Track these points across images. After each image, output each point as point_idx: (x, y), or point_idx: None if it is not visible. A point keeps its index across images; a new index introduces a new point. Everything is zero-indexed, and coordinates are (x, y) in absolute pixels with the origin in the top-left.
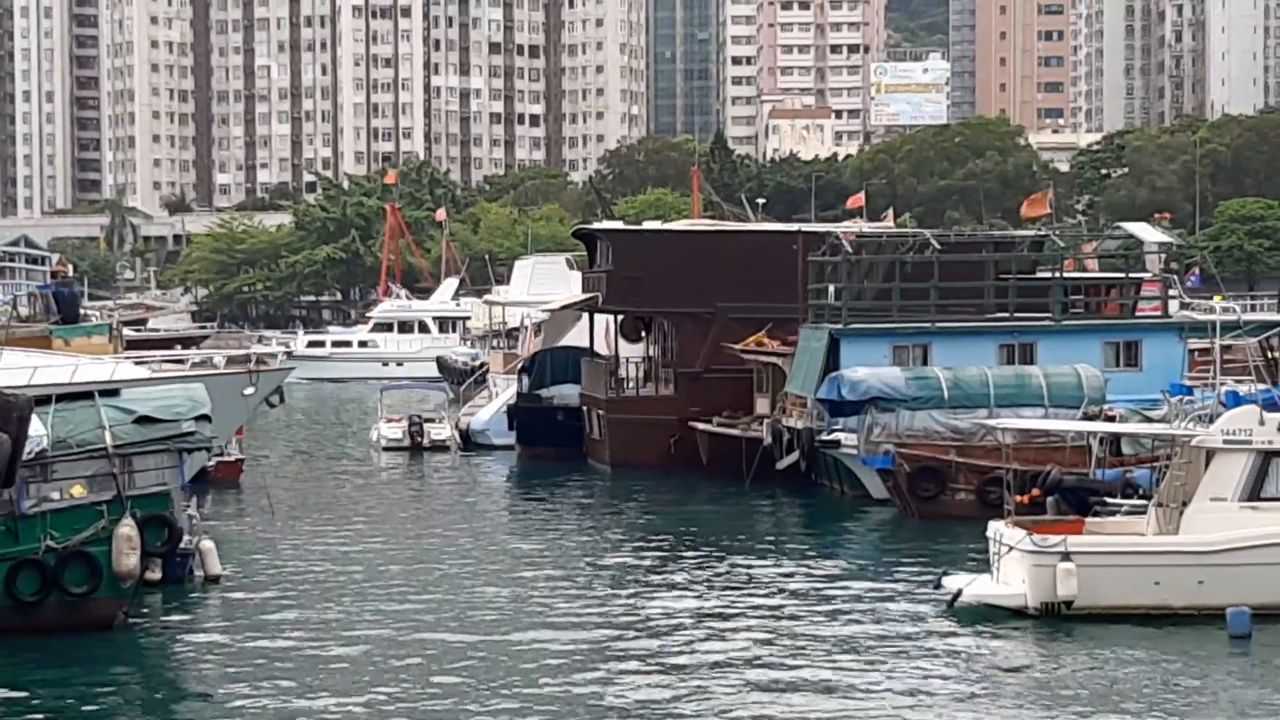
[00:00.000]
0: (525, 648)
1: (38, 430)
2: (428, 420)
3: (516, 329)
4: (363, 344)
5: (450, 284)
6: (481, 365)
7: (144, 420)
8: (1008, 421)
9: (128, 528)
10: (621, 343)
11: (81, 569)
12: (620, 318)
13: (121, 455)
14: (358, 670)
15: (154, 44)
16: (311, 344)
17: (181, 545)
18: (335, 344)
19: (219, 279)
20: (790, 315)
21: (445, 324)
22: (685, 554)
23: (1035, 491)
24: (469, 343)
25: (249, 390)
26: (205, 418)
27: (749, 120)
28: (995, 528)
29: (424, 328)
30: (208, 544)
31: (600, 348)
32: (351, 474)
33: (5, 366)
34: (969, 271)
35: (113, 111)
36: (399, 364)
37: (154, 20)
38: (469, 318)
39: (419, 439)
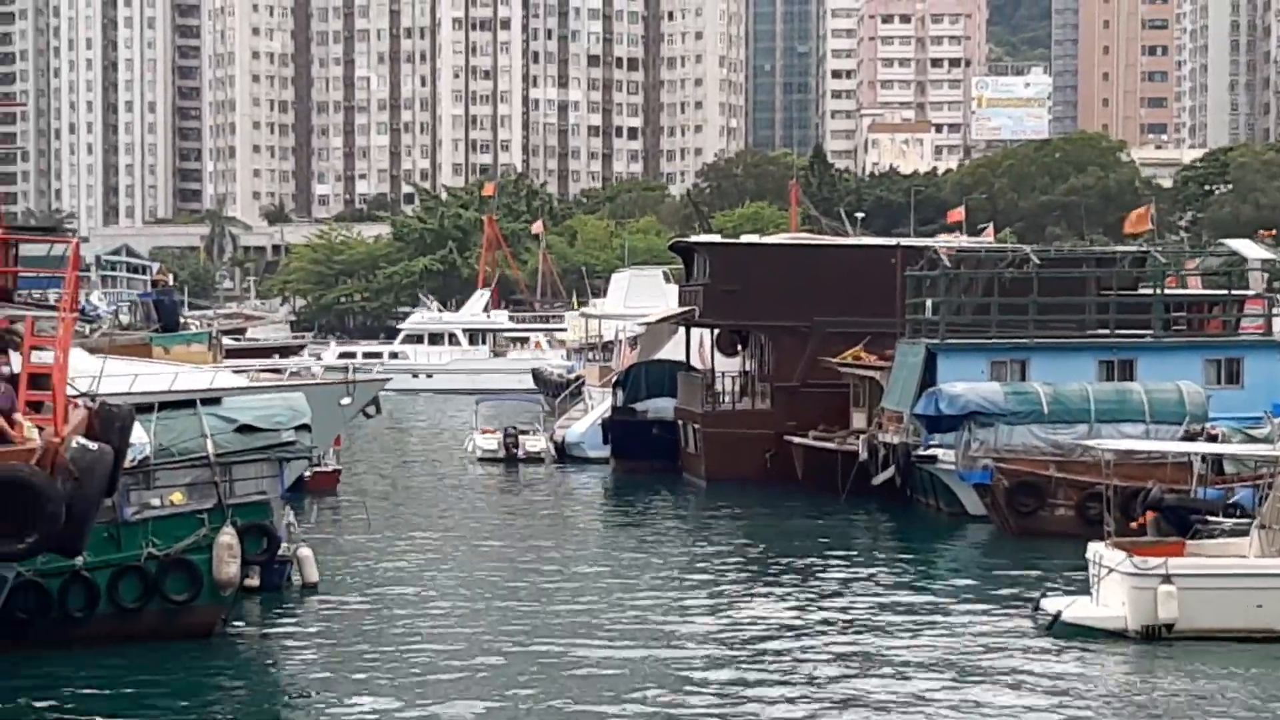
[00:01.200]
0: (616, 658)
1: (140, 438)
2: (523, 432)
3: (612, 342)
4: (394, 355)
5: (481, 296)
6: (577, 378)
7: (245, 429)
8: (1109, 442)
9: (228, 536)
10: (718, 356)
11: (182, 576)
12: (716, 331)
13: (223, 464)
14: (453, 678)
15: (255, 55)
16: (343, 355)
17: (280, 553)
18: (366, 355)
19: (317, 289)
20: (888, 330)
21: (475, 336)
22: (779, 569)
23: (1147, 516)
24: (566, 355)
25: (346, 400)
26: (305, 427)
27: (848, 134)
28: (1095, 549)
29: (454, 340)
30: (305, 552)
31: (696, 361)
32: (447, 484)
33: (107, 374)
34: (1069, 287)
35: (214, 122)
36: (428, 375)
37: (255, 31)
38: (500, 330)
39: (514, 450)
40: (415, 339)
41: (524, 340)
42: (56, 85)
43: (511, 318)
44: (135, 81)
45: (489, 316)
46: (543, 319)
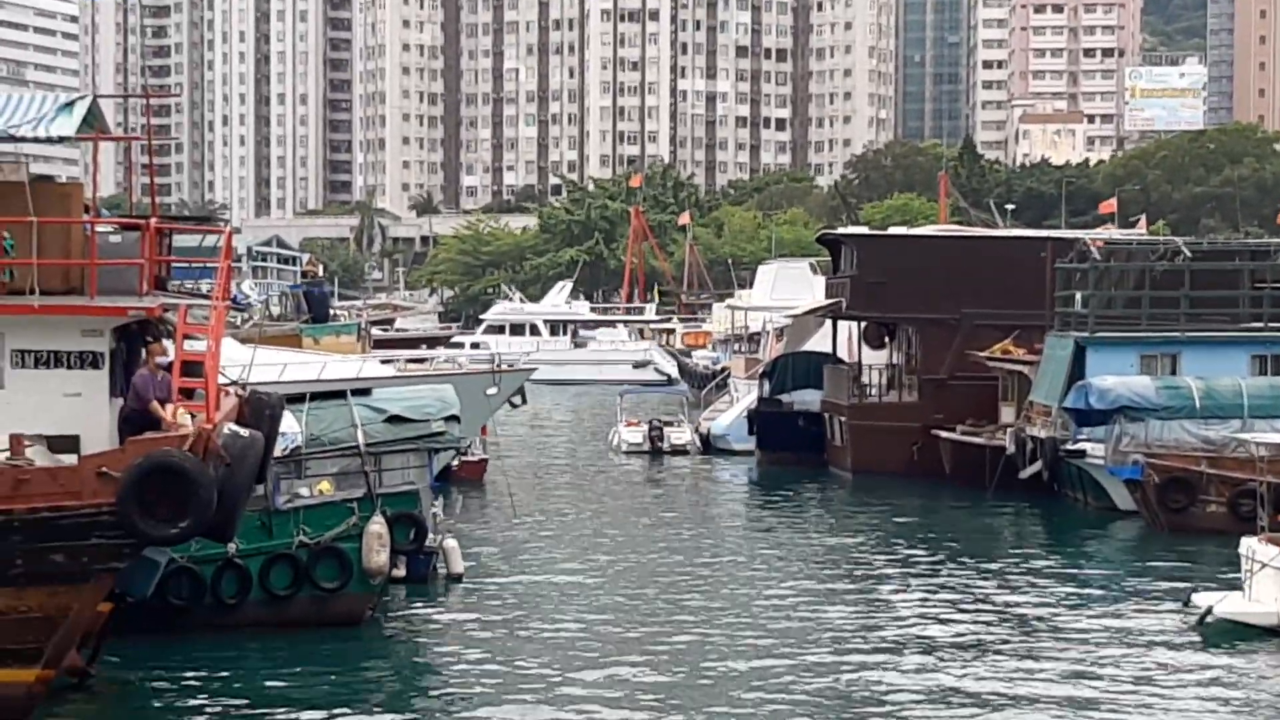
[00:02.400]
0: (759, 652)
1: (291, 427)
2: (667, 424)
3: (758, 334)
4: (475, 346)
5: (563, 287)
6: (723, 370)
7: (395, 420)
8: (1264, 436)
9: (378, 525)
10: (864, 349)
11: (332, 564)
12: (864, 324)
13: (373, 453)
14: (595, 675)
15: (405, 47)
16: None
17: (427, 543)
18: (446, 344)
19: (464, 280)
20: (1037, 323)
21: (556, 327)
22: (924, 563)
23: None
24: (711, 347)
25: (492, 390)
26: (454, 418)
27: (999, 125)
28: (1248, 544)
29: (535, 330)
30: (451, 543)
31: (843, 354)
32: (592, 475)
33: (258, 364)
34: (1222, 280)
35: (364, 114)
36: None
37: (406, 24)
38: (581, 320)
39: (659, 443)
40: (497, 329)
41: (608, 327)
42: (210, 77)
43: (594, 308)
44: (287, 74)
45: (570, 307)
46: (637, 310)
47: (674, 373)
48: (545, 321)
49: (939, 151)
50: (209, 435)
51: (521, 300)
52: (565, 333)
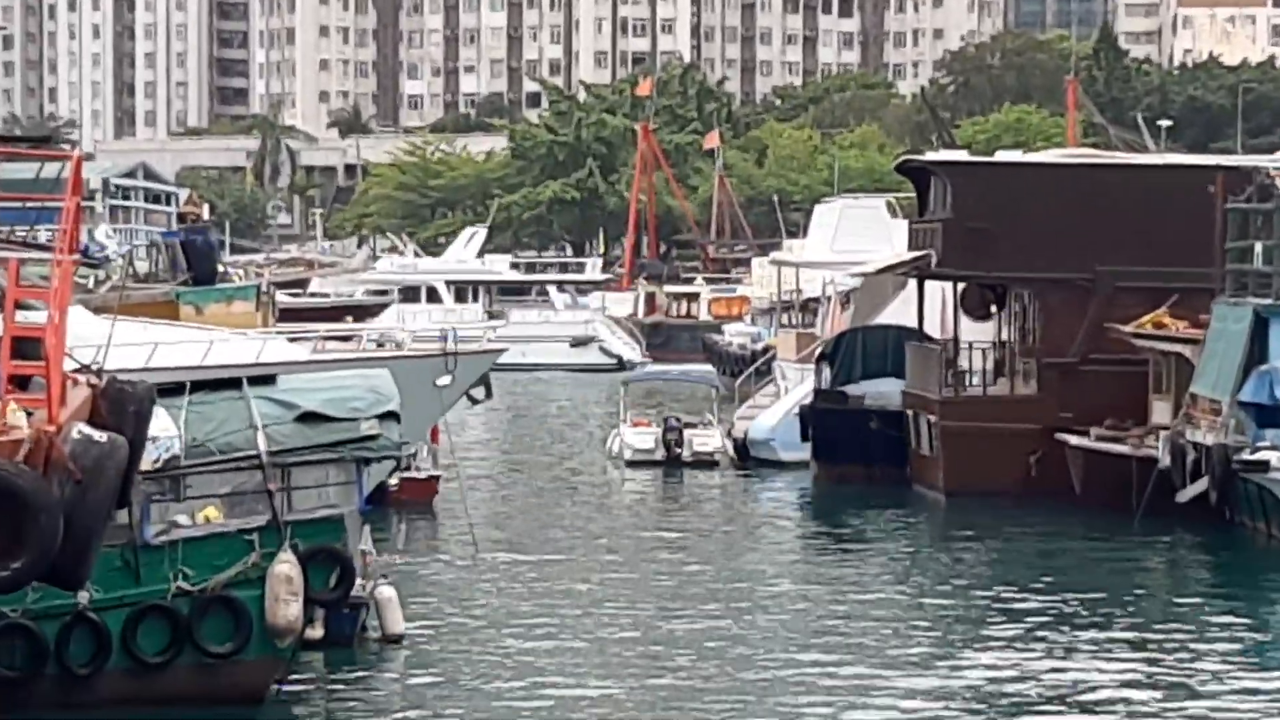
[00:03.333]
0: None
1: (165, 429)
2: (689, 425)
3: (815, 300)
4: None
5: (474, 236)
6: (765, 350)
7: (310, 418)
8: None
9: (286, 565)
10: (963, 321)
11: (224, 620)
12: (962, 286)
13: (279, 465)
14: None
15: None
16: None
17: (354, 592)
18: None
19: (407, 225)
20: (1201, 285)
21: (464, 291)
22: (1047, 617)
23: None
24: (750, 318)
25: (444, 380)
26: (392, 415)
27: (1149, 9)
28: None
29: (434, 296)
30: (387, 591)
31: (933, 327)
32: (583, 498)
33: (118, 343)
34: None
35: None
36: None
37: None
38: (499, 282)
39: (677, 450)
40: (377, 294)
41: (539, 294)
42: None
43: (515, 265)
44: None
45: (483, 263)
46: (575, 267)
47: (629, 354)
48: (448, 284)
49: (1066, 47)
50: (51, 441)
51: (417, 254)
52: (476, 299)
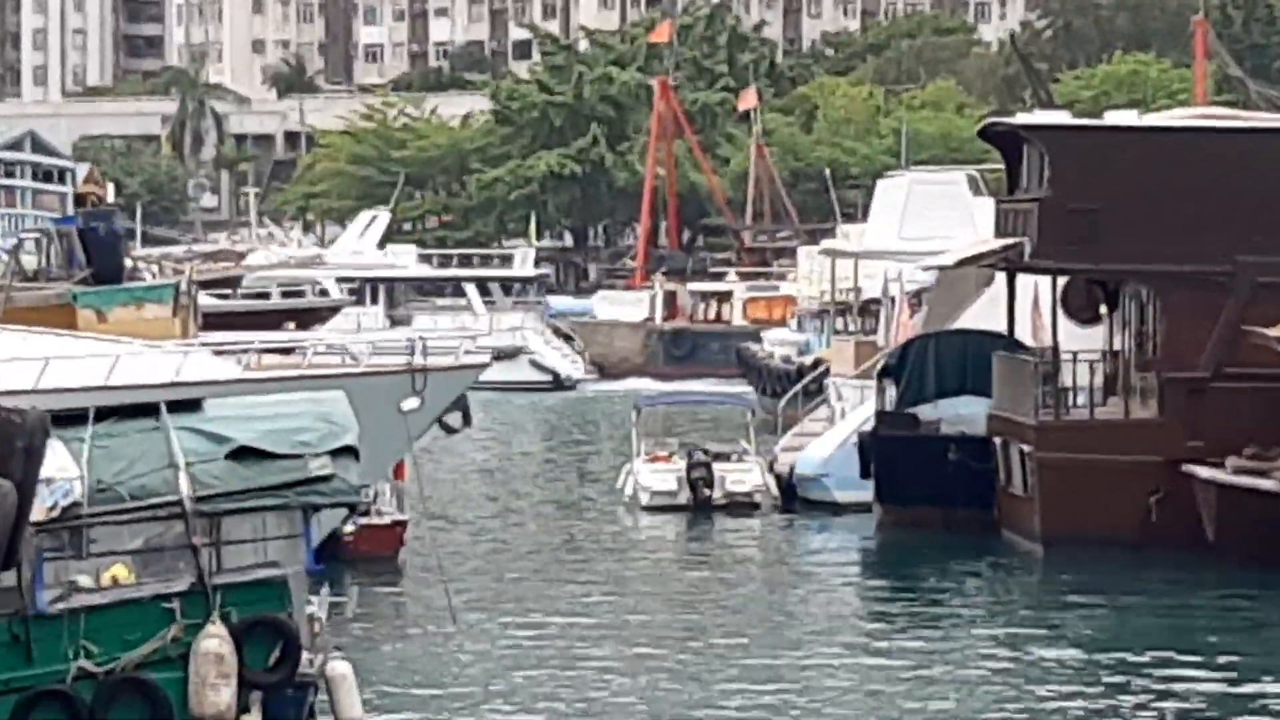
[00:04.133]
0: None
1: (64, 469)
2: (720, 458)
3: (877, 300)
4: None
5: (373, 221)
6: (815, 363)
7: (245, 454)
8: None
9: (216, 640)
10: (1064, 325)
11: (136, 709)
12: (1063, 282)
13: (206, 515)
14: None
15: None
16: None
17: (300, 670)
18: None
19: (363, 207)
20: None
21: (364, 292)
22: (1170, 697)
23: None
24: (795, 323)
25: (411, 402)
26: (348, 451)
27: None
28: None
29: (323, 295)
30: (342, 668)
31: (1026, 334)
32: (586, 551)
33: (1, 357)
34: None
35: None
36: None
37: None
38: (407, 280)
39: (705, 491)
40: (255, 296)
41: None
42: None
43: (425, 258)
44: None
45: (384, 254)
46: (500, 262)
47: (567, 369)
48: (339, 281)
49: None
50: None
51: (301, 242)
52: (376, 300)
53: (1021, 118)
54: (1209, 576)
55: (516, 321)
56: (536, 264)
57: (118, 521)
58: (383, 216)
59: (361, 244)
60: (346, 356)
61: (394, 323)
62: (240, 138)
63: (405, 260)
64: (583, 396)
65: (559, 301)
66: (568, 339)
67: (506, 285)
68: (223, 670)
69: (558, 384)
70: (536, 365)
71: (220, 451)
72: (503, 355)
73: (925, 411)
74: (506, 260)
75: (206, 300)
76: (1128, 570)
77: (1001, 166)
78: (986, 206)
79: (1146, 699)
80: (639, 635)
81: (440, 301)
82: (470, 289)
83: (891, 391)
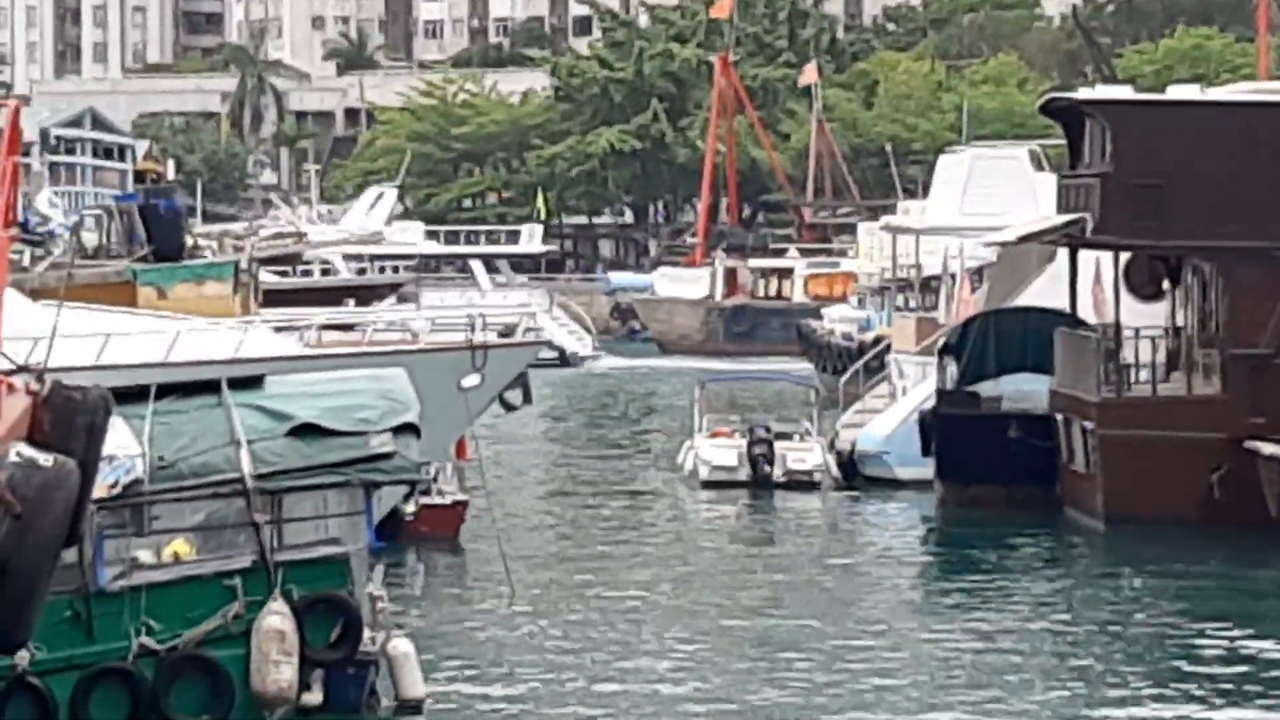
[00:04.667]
0: None
1: (125, 447)
2: (781, 436)
3: (938, 277)
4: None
5: (380, 198)
6: (876, 340)
7: (306, 431)
8: None
9: (277, 617)
10: (1127, 302)
11: (198, 686)
12: (1126, 258)
13: (268, 492)
14: None
15: None
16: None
17: (361, 648)
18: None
19: (425, 184)
20: None
21: (369, 269)
22: (1233, 675)
23: None
24: (856, 300)
25: (471, 380)
26: (409, 428)
27: None
28: None
29: (328, 273)
30: (403, 646)
31: (1088, 311)
32: (647, 528)
33: (62, 334)
34: None
35: None
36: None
37: None
38: (421, 256)
39: (766, 468)
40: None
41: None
42: None
43: (432, 235)
44: None
45: (390, 230)
46: (505, 238)
47: (575, 347)
48: (346, 258)
49: None
50: None
51: (311, 220)
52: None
53: (1084, 93)
54: (1272, 553)
55: (524, 299)
56: (545, 240)
57: (179, 499)
58: (389, 193)
59: (368, 220)
60: (406, 333)
61: (401, 300)
62: (300, 115)
63: (413, 237)
64: (592, 373)
65: (619, 277)
66: (628, 314)
67: (515, 262)
68: (284, 648)
69: (564, 361)
70: (547, 345)
71: (281, 429)
72: (508, 333)
73: (986, 389)
74: (515, 238)
75: (268, 277)
76: (1190, 547)
77: (1063, 142)
78: (1048, 182)
79: (1210, 675)
80: (698, 612)
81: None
82: (476, 265)
83: (953, 368)
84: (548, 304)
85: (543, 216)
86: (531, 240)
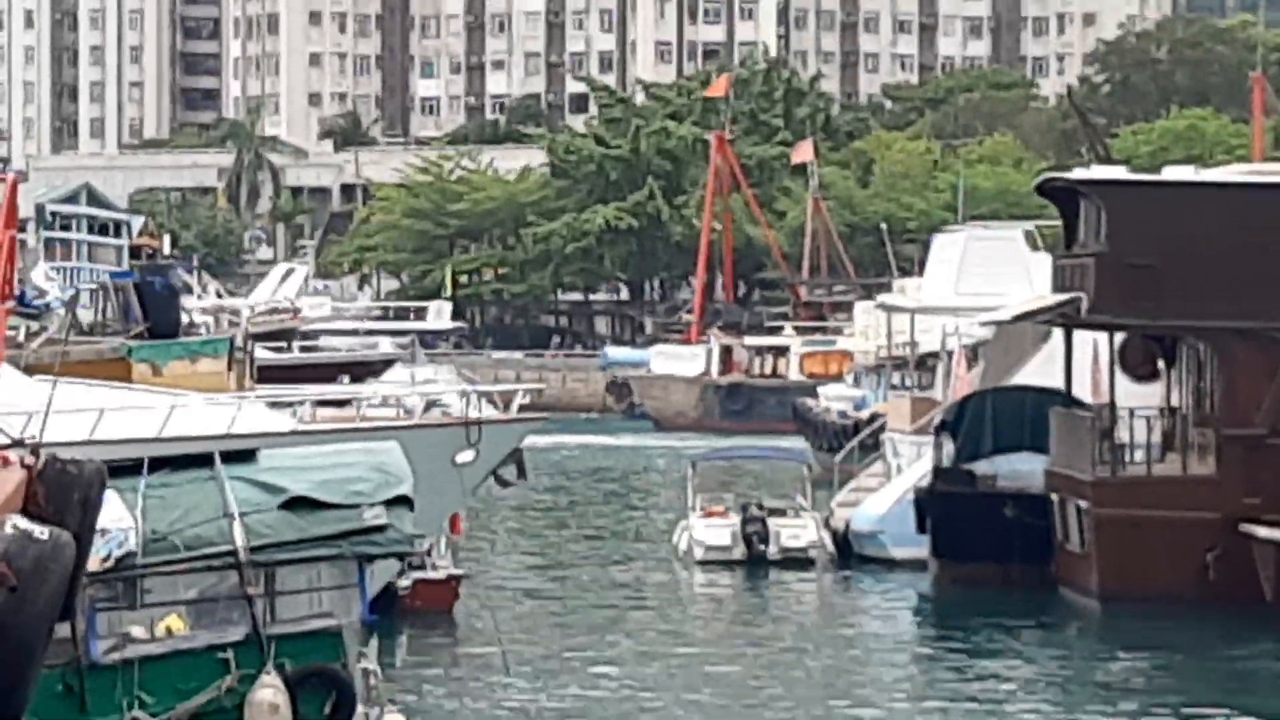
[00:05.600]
0: None
1: (119, 520)
2: (776, 513)
3: (934, 355)
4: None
5: (290, 274)
6: (872, 418)
7: (300, 504)
8: None
9: (270, 690)
10: (1121, 381)
11: None
12: (1121, 337)
13: (261, 565)
14: None
15: None
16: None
17: None
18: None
19: (418, 261)
20: None
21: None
22: None
23: None
24: (852, 378)
25: (466, 455)
26: (403, 501)
27: None
28: None
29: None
30: None
31: (1083, 390)
32: (641, 607)
33: (58, 409)
34: None
35: None
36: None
37: None
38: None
39: (760, 546)
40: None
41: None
42: None
43: (339, 311)
44: None
45: (295, 300)
46: (411, 314)
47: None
48: (255, 338)
49: (1252, 36)
50: None
51: (220, 293)
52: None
53: (1079, 173)
54: (1266, 634)
55: (431, 374)
56: (456, 317)
57: (172, 572)
58: (300, 269)
59: (277, 297)
60: (400, 409)
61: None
62: (296, 190)
63: (322, 312)
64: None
65: (616, 352)
66: (624, 389)
67: (424, 338)
68: None
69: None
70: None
71: (274, 501)
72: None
73: (982, 467)
74: (422, 314)
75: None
76: (1185, 628)
77: (1059, 222)
78: (1043, 262)
79: None
80: (692, 690)
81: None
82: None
83: (949, 447)
84: (456, 380)
85: (449, 292)
86: (440, 316)
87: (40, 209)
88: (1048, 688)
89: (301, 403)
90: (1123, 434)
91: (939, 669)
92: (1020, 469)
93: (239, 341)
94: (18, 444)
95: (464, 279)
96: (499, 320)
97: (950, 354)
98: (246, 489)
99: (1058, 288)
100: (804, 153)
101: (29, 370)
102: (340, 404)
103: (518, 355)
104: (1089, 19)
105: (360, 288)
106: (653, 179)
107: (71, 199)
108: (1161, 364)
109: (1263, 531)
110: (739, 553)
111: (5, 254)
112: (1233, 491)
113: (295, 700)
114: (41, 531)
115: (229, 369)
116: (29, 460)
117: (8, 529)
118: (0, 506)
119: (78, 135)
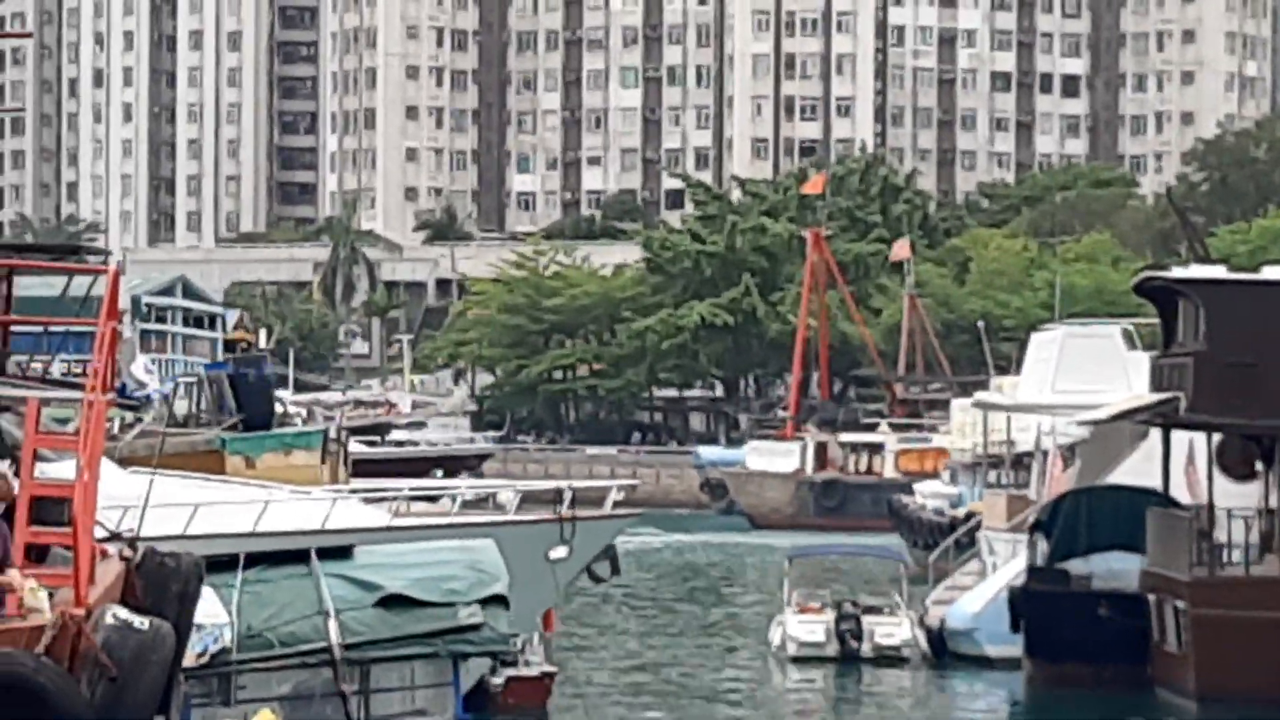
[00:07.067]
0: None
1: (215, 616)
2: (870, 611)
3: (1029, 454)
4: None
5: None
6: (967, 516)
7: (395, 602)
8: None
9: None
10: (1220, 481)
11: None
12: (1219, 437)
13: (356, 661)
14: None
15: None
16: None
17: None
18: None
19: (513, 355)
20: None
21: None
22: None
23: None
24: (948, 476)
25: (559, 551)
26: (498, 600)
27: None
28: None
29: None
30: None
31: (1181, 490)
32: (734, 703)
33: (155, 503)
34: None
35: (339, 68)
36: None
37: None
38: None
39: (854, 643)
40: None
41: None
42: (72, 4)
43: (335, 392)
44: (208, 4)
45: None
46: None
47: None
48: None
49: None
50: (79, 628)
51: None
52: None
53: (1177, 271)
54: None
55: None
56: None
57: (267, 668)
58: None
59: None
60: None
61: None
62: (392, 284)
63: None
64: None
65: (709, 452)
66: (719, 488)
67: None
68: None
69: None
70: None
71: (370, 599)
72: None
73: (1077, 566)
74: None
75: (357, 447)
76: None
77: (1156, 320)
78: (1141, 361)
79: None
80: None
81: None
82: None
83: (1043, 545)
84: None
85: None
86: (453, 403)
87: (136, 301)
88: None
89: (396, 498)
90: (1220, 534)
91: None
92: (1115, 568)
93: (332, 434)
94: (115, 537)
95: (558, 374)
96: (594, 415)
97: (1046, 453)
98: (342, 586)
99: (1155, 387)
100: (901, 250)
101: (123, 462)
102: (435, 498)
103: (612, 451)
104: (1187, 118)
105: (455, 382)
106: (748, 275)
107: (167, 292)
108: (1260, 464)
109: None
110: (833, 649)
111: (106, 346)
112: None
113: None
114: (142, 622)
115: (323, 461)
116: (127, 553)
117: (108, 619)
118: (100, 598)
119: (174, 228)
